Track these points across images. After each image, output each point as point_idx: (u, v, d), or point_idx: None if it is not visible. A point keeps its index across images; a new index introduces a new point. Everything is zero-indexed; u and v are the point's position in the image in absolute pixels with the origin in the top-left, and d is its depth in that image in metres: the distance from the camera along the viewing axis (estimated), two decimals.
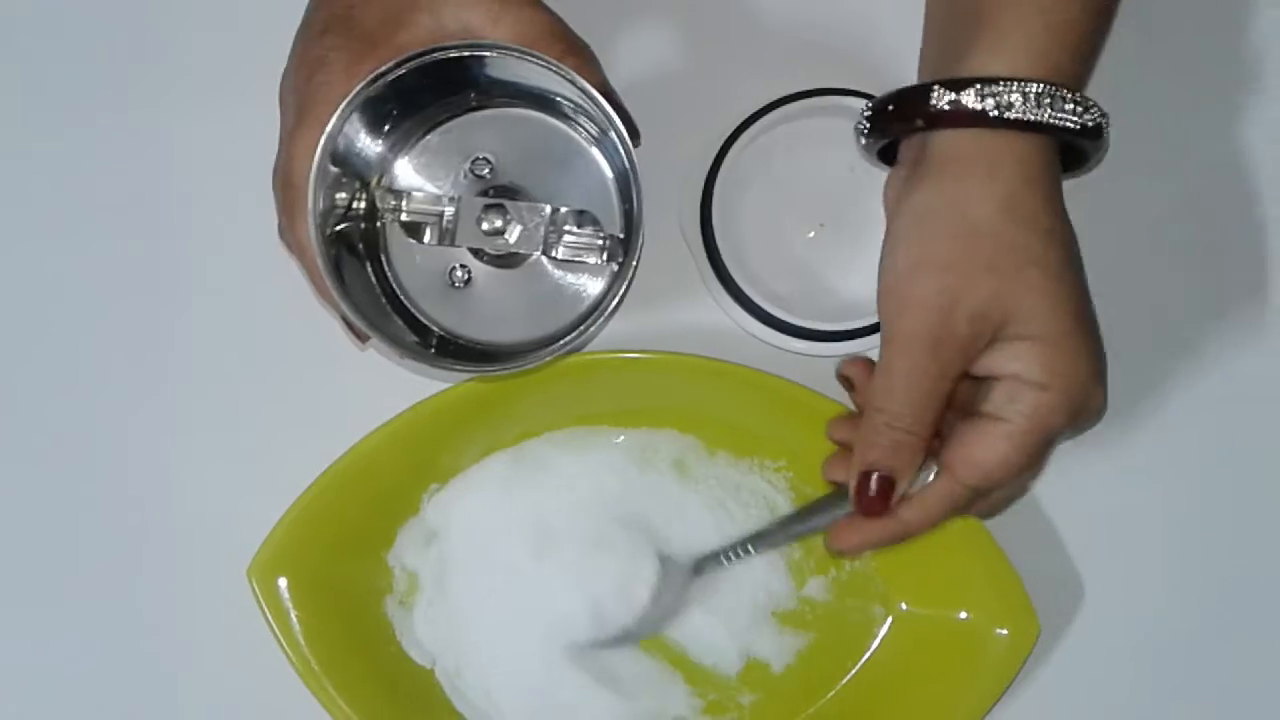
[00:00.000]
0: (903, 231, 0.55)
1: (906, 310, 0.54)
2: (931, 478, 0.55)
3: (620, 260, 0.59)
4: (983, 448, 0.54)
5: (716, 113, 0.64)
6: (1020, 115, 0.53)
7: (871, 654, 0.65)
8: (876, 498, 0.55)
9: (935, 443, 0.55)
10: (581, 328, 0.57)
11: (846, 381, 0.60)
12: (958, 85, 0.53)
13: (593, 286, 0.60)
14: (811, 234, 0.65)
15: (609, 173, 0.60)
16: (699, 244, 0.63)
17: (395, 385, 0.63)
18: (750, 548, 0.61)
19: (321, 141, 0.54)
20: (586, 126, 0.59)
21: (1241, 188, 0.66)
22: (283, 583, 0.61)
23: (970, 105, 0.53)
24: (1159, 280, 0.66)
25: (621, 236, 0.59)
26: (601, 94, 0.55)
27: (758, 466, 0.65)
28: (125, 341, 0.66)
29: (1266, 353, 0.66)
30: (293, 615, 0.61)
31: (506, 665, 0.64)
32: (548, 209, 0.58)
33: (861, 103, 0.62)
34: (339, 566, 0.63)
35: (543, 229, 0.58)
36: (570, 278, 0.60)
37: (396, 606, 0.64)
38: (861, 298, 0.64)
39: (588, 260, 0.59)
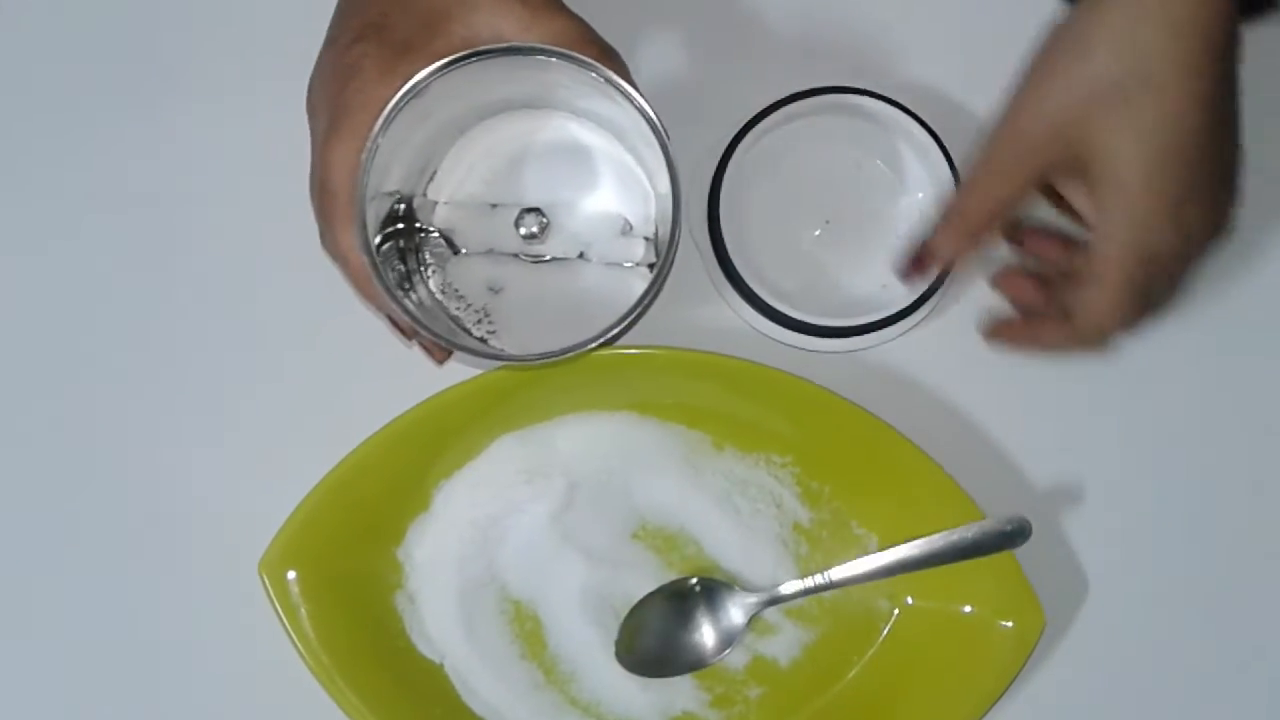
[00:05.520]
0: (1035, 57, 0.56)
1: (1005, 112, 0.56)
2: None
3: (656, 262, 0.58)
4: (1078, 304, 0.57)
5: (722, 111, 0.64)
6: None
7: (877, 648, 0.65)
8: (914, 261, 0.61)
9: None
10: (609, 328, 0.56)
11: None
12: None
13: (634, 289, 0.59)
14: (818, 231, 0.65)
15: (644, 176, 0.60)
16: (706, 241, 0.64)
17: (405, 381, 0.63)
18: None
19: (366, 149, 0.54)
20: (619, 132, 0.59)
21: None
22: (292, 576, 0.61)
23: None
24: None
25: (649, 239, 0.58)
26: None
27: (764, 462, 0.65)
28: (135, 338, 0.66)
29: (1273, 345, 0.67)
30: (303, 610, 0.61)
31: (515, 660, 0.64)
32: (586, 213, 0.58)
33: (867, 101, 0.63)
34: (350, 561, 0.63)
35: (581, 233, 0.58)
36: (610, 281, 0.60)
37: (407, 602, 0.64)
38: (867, 293, 0.65)
39: (626, 264, 0.59)
